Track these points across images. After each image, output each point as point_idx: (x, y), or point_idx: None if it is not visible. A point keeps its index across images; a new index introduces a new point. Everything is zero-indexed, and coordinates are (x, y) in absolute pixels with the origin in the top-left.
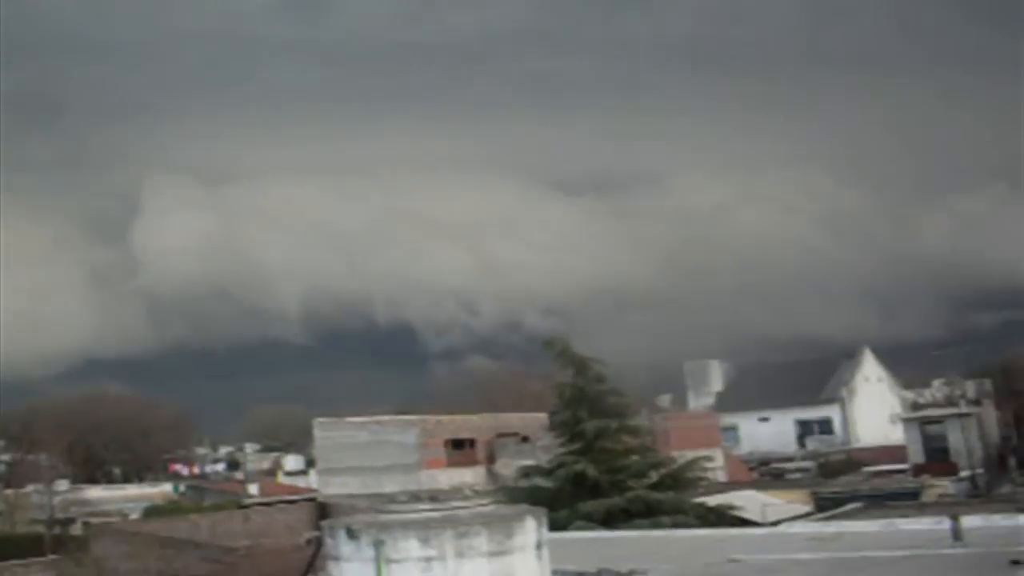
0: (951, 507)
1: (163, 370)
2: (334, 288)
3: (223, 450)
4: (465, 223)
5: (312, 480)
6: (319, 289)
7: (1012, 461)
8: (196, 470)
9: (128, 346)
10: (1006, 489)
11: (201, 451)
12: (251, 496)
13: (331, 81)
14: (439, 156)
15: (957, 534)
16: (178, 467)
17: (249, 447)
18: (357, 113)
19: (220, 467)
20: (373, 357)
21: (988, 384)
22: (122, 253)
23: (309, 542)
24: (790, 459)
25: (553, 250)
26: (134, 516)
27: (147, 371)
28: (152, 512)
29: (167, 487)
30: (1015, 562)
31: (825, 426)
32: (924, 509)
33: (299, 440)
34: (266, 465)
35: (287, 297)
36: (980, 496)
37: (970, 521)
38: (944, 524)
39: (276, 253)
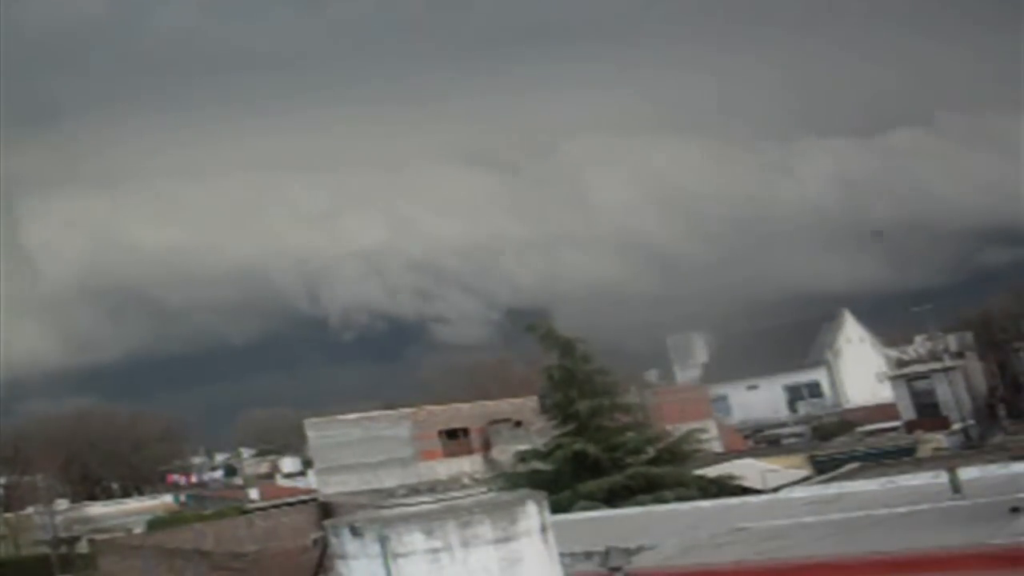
0: (947, 460)
1: (122, 380)
2: (280, 286)
3: (219, 457)
4: (388, 206)
5: (311, 480)
6: (257, 287)
7: (1001, 411)
8: (194, 479)
9: (79, 358)
10: (998, 439)
11: (197, 460)
12: (252, 501)
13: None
14: (342, 149)
15: (955, 486)
16: (175, 477)
17: (244, 452)
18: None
19: (218, 474)
20: (335, 350)
21: (969, 337)
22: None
23: (315, 543)
24: (783, 425)
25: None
26: (138, 530)
27: (105, 381)
28: (156, 525)
29: (167, 498)
30: (1015, 509)
31: (814, 389)
32: (921, 464)
33: (293, 442)
34: (263, 469)
35: (227, 296)
36: (974, 447)
37: (967, 473)
38: (942, 478)
39: (200, 252)
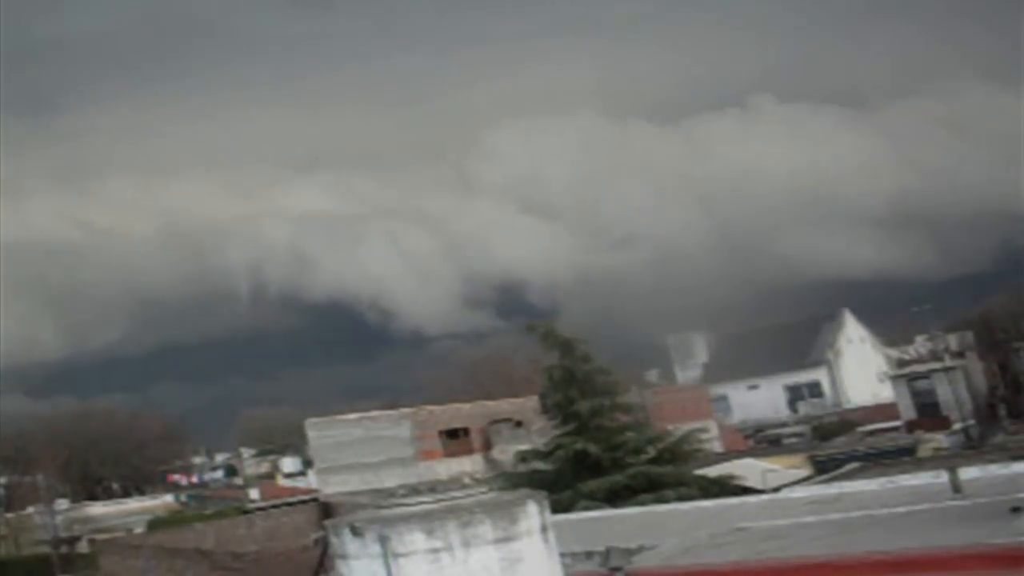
0: (947, 460)
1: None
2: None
3: (219, 457)
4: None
5: (311, 480)
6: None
7: (1002, 410)
8: (195, 479)
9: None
10: (999, 439)
11: (198, 460)
12: (253, 501)
13: None
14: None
15: (956, 486)
16: (176, 477)
17: (245, 452)
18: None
19: (218, 474)
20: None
21: (970, 336)
22: None
23: (316, 542)
24: (783, 424)
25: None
26: (138, 530)
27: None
28: (157, 524)
29: (168, 498)
30: (1015, 509)
31: (815, 389)
32: (921, 464)
33: (294, 441)
34: (264, 469)
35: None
36: (974, 447)
37: (967, 473)
38: (942, 477)
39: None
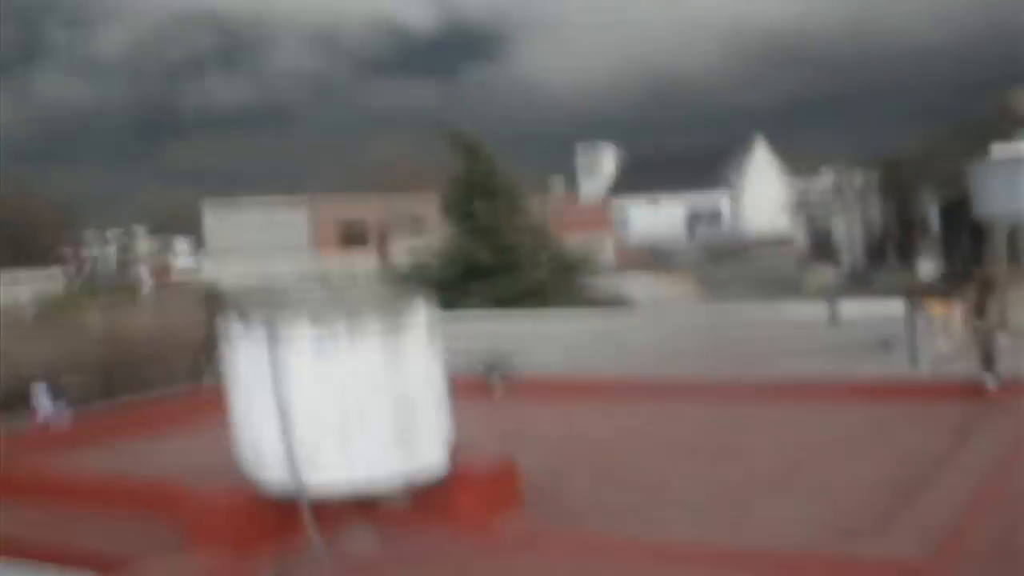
0: (830, 294)
1: None
2: None
3: (111, 236)
4: None
5: (204, 264)
6: None
7: (891, 252)
8: (85, 255)
9: None
10: (884, 278)
11: (89, 235)
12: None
13: None
14: None
15: (834, 319)
16: (67, 250)
17: (138, 230)
18: None
19: (111, 250)
20: None
21: (875, 176)
22: None
23: (202, 326)
24: (679, 244)
25: None
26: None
27: None
28: (45, 307)
29: (56, 271)
30: (883, 343)
31: (715, 215)
32: (805, 295)
33: (190, 226)
34: (156, 247)
35: None
36: (859, 284)
37: (848, 308)
38: (823, 311)
39: None
